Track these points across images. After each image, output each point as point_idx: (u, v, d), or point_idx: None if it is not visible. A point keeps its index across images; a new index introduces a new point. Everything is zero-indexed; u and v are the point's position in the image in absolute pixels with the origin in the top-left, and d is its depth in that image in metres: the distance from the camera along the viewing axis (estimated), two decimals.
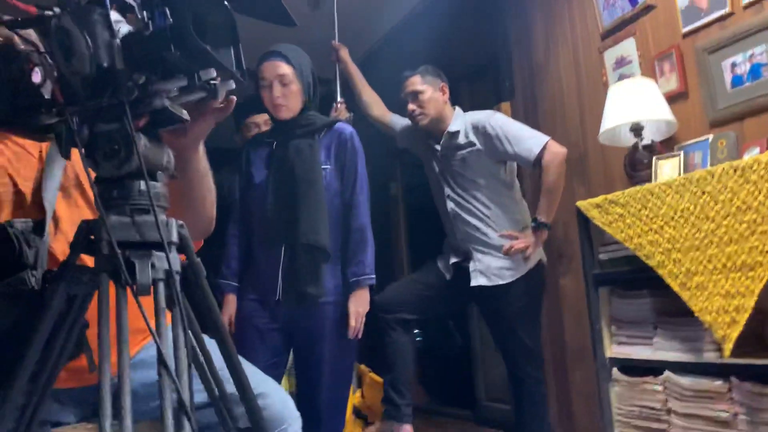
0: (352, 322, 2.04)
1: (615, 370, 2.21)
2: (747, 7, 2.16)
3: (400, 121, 2.69)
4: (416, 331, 2.50)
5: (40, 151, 1.13)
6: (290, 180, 2.05)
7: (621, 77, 2.56)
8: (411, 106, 2.46)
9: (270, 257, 2.06)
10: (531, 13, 3.18)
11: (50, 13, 0.83)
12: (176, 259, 0.83)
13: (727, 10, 2.21)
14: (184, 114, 0.88)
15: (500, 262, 2.36)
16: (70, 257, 0.82)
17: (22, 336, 0.87)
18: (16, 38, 0.94)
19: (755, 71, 2.13)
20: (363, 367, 2.55)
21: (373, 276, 2.11)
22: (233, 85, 0.90)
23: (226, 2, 0.83)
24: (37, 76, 0.84)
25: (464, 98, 3.63)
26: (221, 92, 0.89)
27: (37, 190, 1.09)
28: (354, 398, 2.40)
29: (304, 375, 2.13)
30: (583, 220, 2.29)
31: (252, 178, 2.15)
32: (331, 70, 2.89)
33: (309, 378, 2.09)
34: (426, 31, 3.88)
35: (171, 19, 0.77)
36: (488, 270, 2.36)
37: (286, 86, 2.05)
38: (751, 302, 1.65)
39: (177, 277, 0.83)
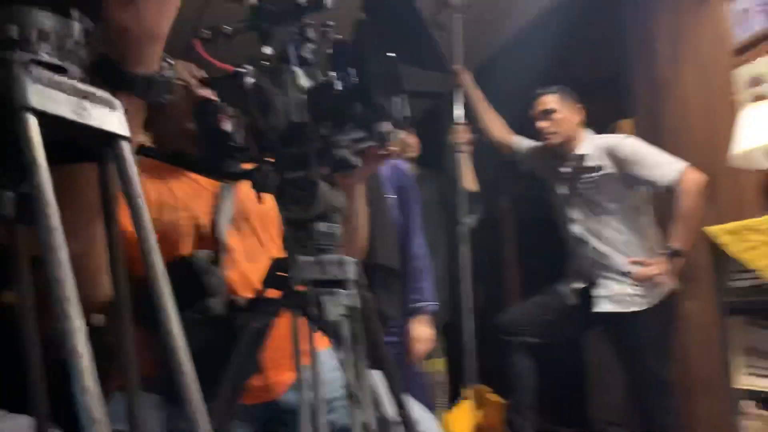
0: (414, 348, 2.09)
1: (747, 402, 2.12)
2: None
3: (523, 143, 2.69)
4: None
5: (214, 188, 1.24)
6: None
7: (756, 97, 2.45)
8: (543, 124, 2.47)
9: None
10: (655, 28, 3.09)
11: (243, 70, 0.93)
12: (356, 296, 0.90)
13: None
14: (358, 161, 0.96)
15: (629, 288, 2.31)
16: (261, 291, 0.91)
17: (213, 359, 0.97)
18: (209, 93, 1.06)
19: None
20: (484, 387, 2.58)
21: (435, 303, 2.17)
22: (400, 135, 0.98)
23: (395, 56, 0.90)
24: (227, 126, 0.95)
25: None
26: (389, 140, 0.96)
27: (212, 223, 1.20)
28: (475, 418, 2.44)
29: None
30: (715, 246, 2.21)
31: None
32: (442, 85, 2.93)
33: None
34: (541, 46, 3.85)
35: (357, 79, 0.84)
36: (615, 296, 2.32)
37: None
38: None
39: (350, 310, 0.90)
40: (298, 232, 0.91)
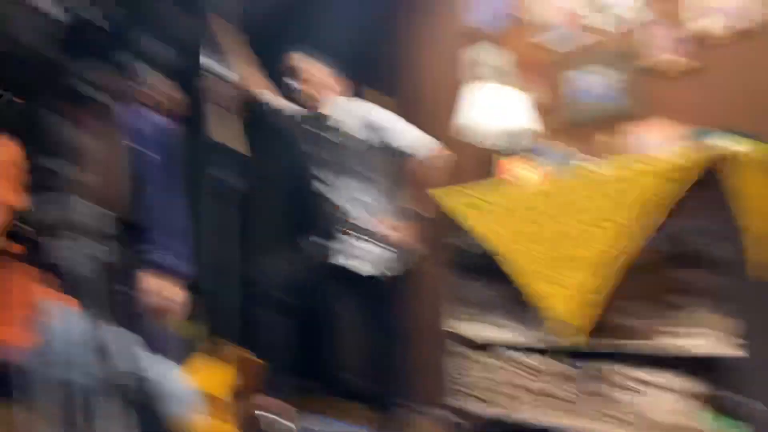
0: (148, 303, 1.97)
1: (458, 344, 2.43)
2: (605, 29, 2.49)
3: (278, 98, 2.67)
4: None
5: None
6: None
7: (480, 79, 2.76)
8: (295, 83, 2.49)
9: None
10: (396, 9, 3.30)
11: None
12: (95, 245, 0.84)
13: (589, 33, 2.53)
14: (106, 98, 0.89)
15: (372, 248, 2.42)
16: None
17: None
18: None
19: (601, 90, 2.48)
20: (240, 347, 2.54)
21: (177, 260, 1.94)
22: (160, 83, 0.93)
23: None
24: None
25: None
26: (150, 82, 0.91)
27: None
28: (231, 378, 2.41)
29: None
30: (439, 207, 2.45)
31: None
32: (201, 34, 2.75)
33: None
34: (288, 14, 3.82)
35: (109, 13, 0.78)
36: (358, 254, 2.42)
37: None
38: (596, 293, 1.91)
39: (92, 263, 0.84)
40: (37, 175, 0.82)
